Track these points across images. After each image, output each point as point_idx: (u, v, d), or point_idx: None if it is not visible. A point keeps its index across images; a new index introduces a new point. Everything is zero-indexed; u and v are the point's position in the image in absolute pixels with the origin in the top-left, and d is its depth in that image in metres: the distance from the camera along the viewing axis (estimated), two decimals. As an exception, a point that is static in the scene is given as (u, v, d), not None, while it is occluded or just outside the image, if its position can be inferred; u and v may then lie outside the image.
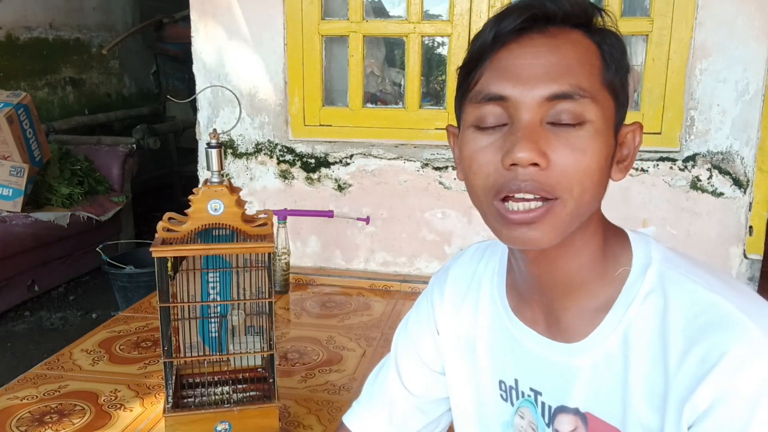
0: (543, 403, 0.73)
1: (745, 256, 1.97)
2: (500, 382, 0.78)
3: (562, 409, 0.71)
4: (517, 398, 0.76)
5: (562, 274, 0.68)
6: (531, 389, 0.74)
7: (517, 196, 0.61)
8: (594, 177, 0.62)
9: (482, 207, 0.66)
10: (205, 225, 1.10)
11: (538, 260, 0.68)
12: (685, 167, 1.96)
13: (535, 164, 0.60)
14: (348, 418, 0.92)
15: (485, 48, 0.64)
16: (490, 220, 0.66)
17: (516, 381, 0.75)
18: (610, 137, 0.63)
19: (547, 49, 0.62)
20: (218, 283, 1.20)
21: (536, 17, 0.62)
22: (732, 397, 0.57)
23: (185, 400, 1.17)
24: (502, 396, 0.78)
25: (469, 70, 0.66)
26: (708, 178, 1.95)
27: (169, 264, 1.11)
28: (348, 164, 2.16)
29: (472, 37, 2.07)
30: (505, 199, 0.62)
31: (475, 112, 0.65)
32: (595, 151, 0.61)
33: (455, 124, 0.72)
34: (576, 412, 0.69)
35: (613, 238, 0.70)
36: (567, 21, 0.63)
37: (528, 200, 0.61)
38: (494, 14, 0.66)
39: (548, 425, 0.73)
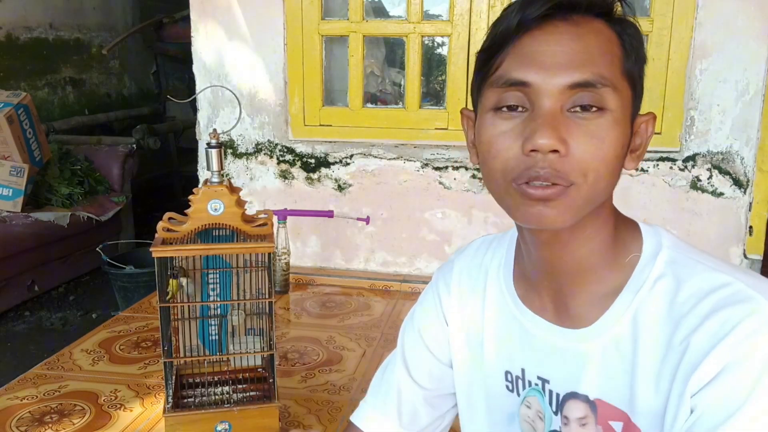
0: (551, 391, 0.73)
1: (745, 256, 1.97)
2: (506, 372, 0.78)
3: (572, 396, 0.71)
4: (524, 388, 0.76)
5: (572, 258, 0.69)
6: (539, 377, 0.74)
7: (535, 183, 0.62)
8: (610, 165, 0.63)
9: (500, 189, 0.66)
10: (205, 225, 1.10)
11: (550, 243, 0.69)
12: (685, 167, 1.96)
13: (555, 151, 0.60)
14: (356, 417, 0.91)
15: (508, 33, 0.65)
16: (507, 200, 0.66)
17: (523, 370, 0.76)
18: (627, 126, 0.64)
19: (570, 37, 0.62)
20: (218, 285, 1.20)
21: (561, 5, 0.63)
22: (738, 367, 0.57)
23: (185, 400, 1.17)
24: (507, 387, 0.78)
25: (491, 55, 0.66)
26: (708, 178, 1.95)
27: (174, 286, 1.11)
28: (348, 164, 2.16)
29: (472, 36, 2.06)
30: (525, 184, 0.63)
31: (495, 97, 0.65)
32: (612, 139, 0.62)
33: (470, 108, 0.74)
34: (586, 399, 0.70)
35: (623, 227, 0.71)
36: (590, 10, 0.64)
37: (545, 187, 0.62)
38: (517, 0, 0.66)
39: (556, 413, 0.73)
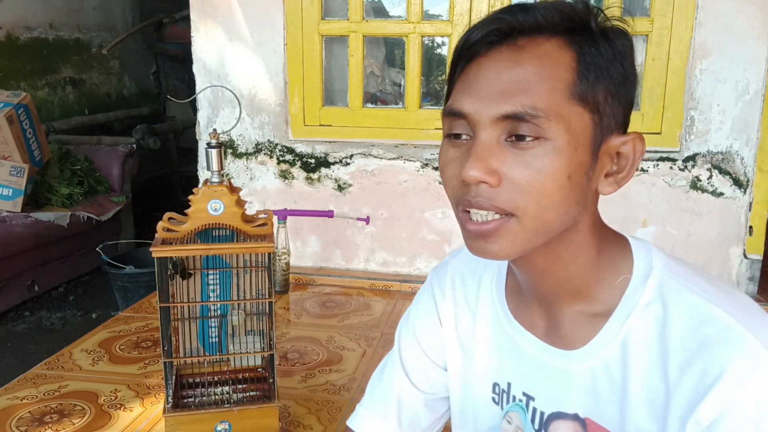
0: (534, 409, 0.72)
1: (745, 256, 1.97)
2: (494, 384, 0.77)
3: (558, 416, 0.70)
4: (508, 402, 0.75)
5: (552, 282, 0.68)
6: (524, 394, 0.73)
7: (472, 215, 0.62)
8: (553, 196, 0.60)
9: (455, 214, 0.67)
10: (205, 225, 1.10)
11: (526, 270, 0.69)
12: (685, 167, 1.96)
13: (485, 182, 0.60)
14: (354, 422, 0.90)
15: (457, 61, 0.65)
16: (460, 227, 0.67)
17: (509, 384, 0.75)
18: (582, 153, 0.61)
19: (510, 65, 0.61)
20: (218, 285, 1.20)
21: (502, 31, 0.62)
22: (735, 413, 0.56)
23: (185, 400, 1.17)
24: (494, 399, 0.77)
25: (448, 82, 0.68)
26: (708, 178, 1.95)
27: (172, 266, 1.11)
28: (348, 164, 2.16)
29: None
30: (468, 210, 0.63)
31: (446, 124, 0.66)
32: (552, 170, 0.59)
33: None
34: (575, 417, 0.69)
35: (611, 247, 0.69)
36: (540, 31, 0.61)
37: (484, 212, 0.61)
38: (471, 26, 0.65)
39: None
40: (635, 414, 0.64)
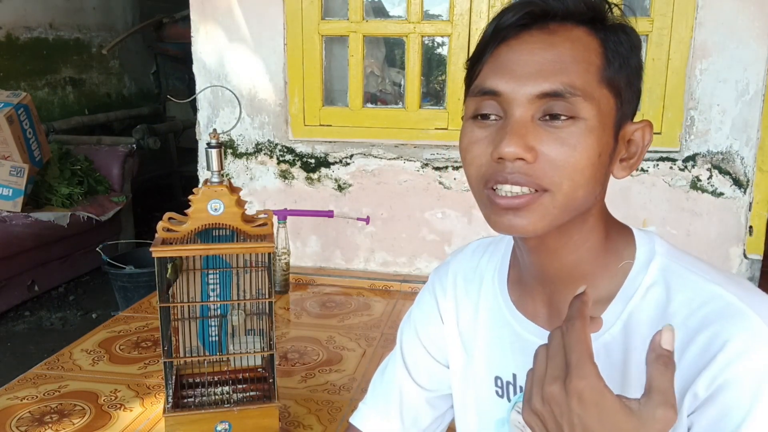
0: None
1: (745, 256, 1.97)
2: (496, 378, 0.78)
3: None
4: (515, 393, 0.76)
5: (561, 265, 0.69)
6: None
7: (503, 190, 0.63)
8: (585, 173, 0.62)
9: (476, 195, 0.68)
10: (205, 225, 1.10)
11: (538, 250, 0.69)
12: (685, 167, 1.96)
13: (522, 159, 0.61)
14: (357, 419, 0.91)
15: (486, 43, 0.66)
16: (482, 207, 0.67)
17: (514, 376, 0.76)
18: (608, 134, 0.64)
19: (543, 46, 0.62)
20: (218, 285, 1.20)
21: (534, 14, 0.63)
22: (733, 386, 0.57)
23: (185, 400, 1.17)
24: (497, 392, 0.78)
25: (473, 64, 0.68)
26: (708, 178, 1.95)
27: (170, 267, 1.11)
28: (348, 164, 2.16)
29: (472, 36, 2.07)
30: (495, 188, 0.64)
31: (473, 105, 0.66)
32: (586, 147, 0.62)
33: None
34: None
35: (616, 234, 0.70)
36: (569, 18, 0.64)
37: (518, 188, 0.62)
38: (500, 10, 0.67)
39: None
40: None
